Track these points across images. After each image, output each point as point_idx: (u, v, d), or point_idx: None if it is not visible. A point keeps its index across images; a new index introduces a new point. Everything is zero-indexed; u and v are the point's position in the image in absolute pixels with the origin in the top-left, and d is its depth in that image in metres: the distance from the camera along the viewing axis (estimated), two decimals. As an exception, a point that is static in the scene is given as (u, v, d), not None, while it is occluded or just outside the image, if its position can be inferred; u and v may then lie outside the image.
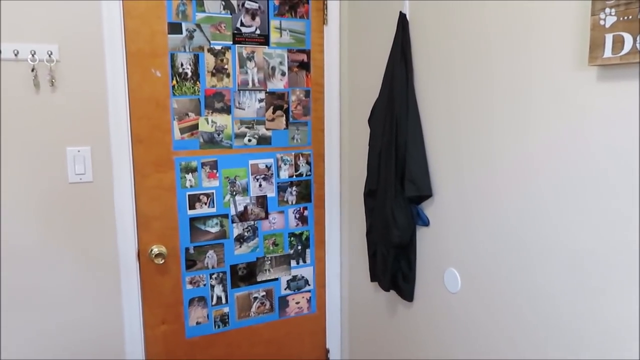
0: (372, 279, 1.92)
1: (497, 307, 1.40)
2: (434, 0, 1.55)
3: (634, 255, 1.02)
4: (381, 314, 1.99)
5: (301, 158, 2.09)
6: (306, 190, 2.12)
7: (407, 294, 1.76)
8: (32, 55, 1.63)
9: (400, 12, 1.70)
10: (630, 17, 0.94)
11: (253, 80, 1.96)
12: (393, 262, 1.75)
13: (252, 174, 2.00)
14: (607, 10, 0.98)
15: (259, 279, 2.08)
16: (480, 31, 1.38)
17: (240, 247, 2.02)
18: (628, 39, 0.94)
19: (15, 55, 1.61)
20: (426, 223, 1.67)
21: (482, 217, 1.43)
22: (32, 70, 1.64)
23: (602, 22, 0.99)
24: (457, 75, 1.48)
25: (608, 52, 0.98)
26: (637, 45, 0.93)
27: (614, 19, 0.97)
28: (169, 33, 1.81)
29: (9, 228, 1.66)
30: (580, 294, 1.15)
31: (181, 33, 1.83)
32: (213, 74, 1.89)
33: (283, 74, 2.01)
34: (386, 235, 1.73)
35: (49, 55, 1.65)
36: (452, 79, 1.50)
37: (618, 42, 0.96)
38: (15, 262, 1.68)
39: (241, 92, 1.95)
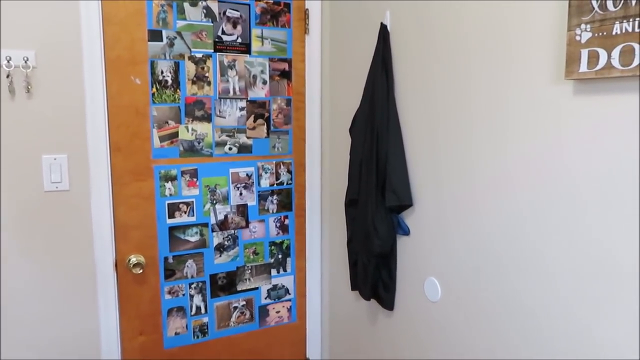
0: (353, 288, 1.92)
1: (476, 316, 1.41)
2: (415, 12, 1.57)
3: (608, 267, 1.04)
4: (362, 323, 1.99)
5: (282, 167, 2.09)
6: (287, 199, 2.11)
7: (387, 303, 1.77)
8: (8, 61, 1.60)
9: (382, 23, 1.71)
10: (605, 33, 0.96)
11: (234, 89, 1.95)
12: (374, 272, 1.75)
13: (232, 183, 1.99)
14: (583, 26, 1.00)
15: (239, 288, 2.06)
16: (459, 44, 1.40)
17: (220, 256, 2.00)
18: (603, 54, 0.97)
19: (-10, 61, 1.58)
20: (407, 232, 1.68)
21: (461, 227, 1.44)
22: (8, 76, 1.61)
23: (577, 38, 1.01)
24: (436, 87, 1.50)
25: (584, 67, 1.00)
26: (611, 60, 0.95)
27: (589, 34, 0.99)
28: (149, 40, 1.79)
29: (-19, 238, 1.62)
30: (555, 304, 1.17)
31: (162, 40, 1.81)
32: (194, 82, 1.88)
33: (264, 82, 2.01)
34: (367, 244, 1.73)
35: (25, 62, 1.62)
36: (432, 90, 1.52)
37: (593, 58, 0.99)
38: (-13, 272, 1.64)
39: (222, 100, 1.94)
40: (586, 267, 1.09)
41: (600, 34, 0.97)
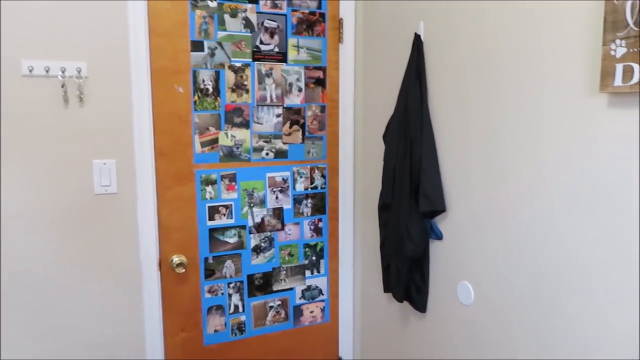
0: (386, 290, 1.97)
1: (509, 320, 1.45)
2: (448, 23, 1.62)
3: (642, 273, 1.07)
4: (394, 324, 2.04)
5: (316, 171, 2.15)
6: (321, 203, 2.18)
7: (420, 305, 1.82)
8: (62, 72, 1.71)
9: (415, 33, 1.76)
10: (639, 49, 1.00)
11: (271, 96, 2.03)
12: (407, 275, 1.80)
13: (269, 187, 2.07)
14: (618, 41, 1.03)
15: (274, 289, 2.14)
16: (493, 55, 1.44)
17: (257, 257, 2.08)
18: (637, 69, 1.00)
19: (47, 72, 1.68)
20: (439, 237, 1.73)
21: (494, 232, 1.48)
22: (62, 86, 1.71)
23: (612, 53, 1.05)
24: (469, 95, 1.54)
25: (618, 81, 1.04)
26: (646, 75, 0.99)
27: (624, 50, 1.02)
28: (191, 51, 1.88)
29: (38, 237, 1.73)
30: (590, 309, 1.20)
31: (203, 51, 1.90)
32: (233, 90, 1.96)
33: (300, 90, 2.08)
34: (400, 248, 1.78)
35: (78, 72, 1.73)
36: (465, 98, 1.56)
37: (628, 72, 1.02)
38: (42, 269, 1.75)
39: (260, 107, 2.01)
40: (622, 273, 1.12)
41: (635, 49, 1.00)
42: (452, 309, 1.69)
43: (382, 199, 1.91)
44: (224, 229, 2.01)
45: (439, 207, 1.68)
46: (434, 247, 1.76)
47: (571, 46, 1.19)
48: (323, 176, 2.17)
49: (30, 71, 1.66)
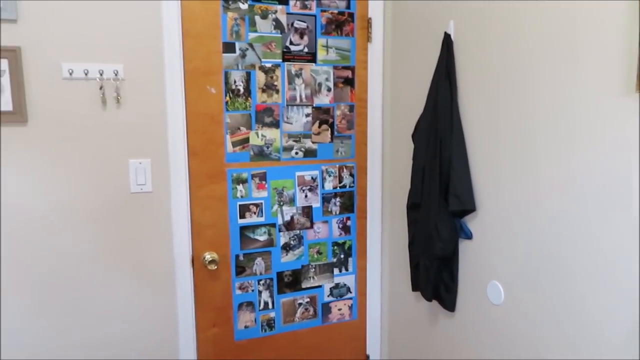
0: (414, 288, 1.98)
1: (540, 320, 1.44)
2: (478, 22, 1.62)
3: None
4: (422, 322, 2.05)
5: (345, 170, 2.17)
6: (349, 201, 2.20)
7: (449, 304, 1.82)
8: (100, 75, 1.76)
9: (445, 32, 1.76)
10: (678, 48, 0.99)
11: (301, 96, 2.06)
12: (436, 274, 1.81)
13: (298, 185, 2.10)
14: (655, 41, 1.03)
15: (303, 286, 2.17)
16: (523, 53, 1.43)
17: (287, 255, 2.11)
18: (675, 69, 0.99)
19: (85, 74, 1.74)
20: (469, 236, 1.73)
21: (525, 231, 1.48)
22: (100, 88, 1.77)
23: (649, 52, 1.04)
24: (500, 94, 1.54)
25: (655, 81, 1.03)
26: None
27: (662, 49, 1.01)
28: (223, 52, 1.92)
29: (75, 233, 1.80)
30: (622, 310, 1.19)
31: (234, 52, 1.93)
32: (263, 90, 1.99)
33: (329, 89, 2.10)
34: (429, 247, 1.79)
35: (115, 74, 1.78)
36: (495, 97, 1.56)
37: (665, 72, 1.01)
38: (78, 264, 1.81)
39: (289, 107, 2.04)
40: (655, 275, 1.11)
41: (673, 49, 0.99)
42: (482, 308, 1.69)
43: (411, 197, 1.92)
44: (254, 226, 2.05)
45: (469, 207, 1.68)
46: (464, 246, 1.76)
47: (606, 45, 1.19)
48: (351, 175, 2.19)
49: (71, 74, 1.72)
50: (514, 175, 1.51)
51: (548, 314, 1.42)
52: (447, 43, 1.75)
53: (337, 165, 2.16)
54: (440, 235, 1.74)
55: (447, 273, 1.81)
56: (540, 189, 1.41)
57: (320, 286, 2.20)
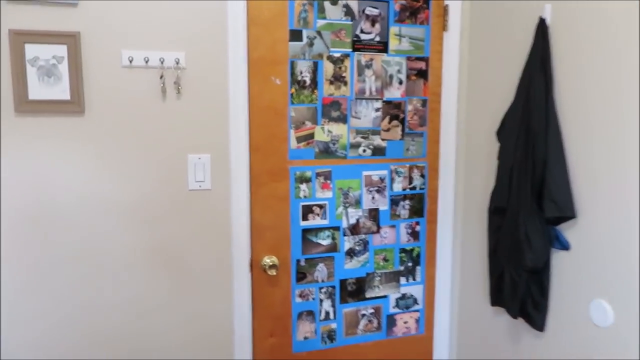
0: (494, 303, 1.78)
1: (665, 348, 1.23)
2: (580, 5, 1.41)
3: None
4: (500, 341, 1.84)
5: (415, 170, 1.99)
6: (419, 205, 2.02)
7: (538, 322, 1.61)
8: (161, 63, 1.65)
9: (540, 17, 1.57)
10: None
11: (370, 89, 1.89)
12: (524, 288, 1.61)
13: (365, 186, 1.93)
14: None
15: (367, 295, 1.99)
16: (633, 41, 1.23)
17: (351, 261, 1.95)
18: None
19: (146, 62, 1.63)
20: (566, 247, 1.52)
21: (636, 242, 1.27)
22: (161, 77, 1.66)
23: None
24: (608, 88, 1.33)
25: None
26: None
27: None
28: (289, 40, 1.78)
29: (131, 231, 1.68)
30: None
31: (301, 40, 1.79)
32: (331, 82, 1.84)
33: (400, 82, 1.93)
34: (517, 257, 1.59)
35: (177, 63, 1.67)
36: (600, 90, 1.35)
37: None
38: (133, 263, 1.70)
39: (358, 100, 1.88)
40: None
41: None
42: (582, 330, 1.48)
43: (494, 201, 1.72)
44: (317, 229, 1.89)
45: (568, 213, 1.48)
46: (558, 258, 1.56)
47: None
48: (422, 176, 2.01)
49: (130, 62, 1.61)
50: (623, 179, 1.31)
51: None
52: (542, 29, 1.56)
53: (408, 165, 1.98)
54: (532, 244, 1.54)
55: (536, 287, 1.61)
56: (669, 194, 1.20)
57: (385, 296, 2.02)
